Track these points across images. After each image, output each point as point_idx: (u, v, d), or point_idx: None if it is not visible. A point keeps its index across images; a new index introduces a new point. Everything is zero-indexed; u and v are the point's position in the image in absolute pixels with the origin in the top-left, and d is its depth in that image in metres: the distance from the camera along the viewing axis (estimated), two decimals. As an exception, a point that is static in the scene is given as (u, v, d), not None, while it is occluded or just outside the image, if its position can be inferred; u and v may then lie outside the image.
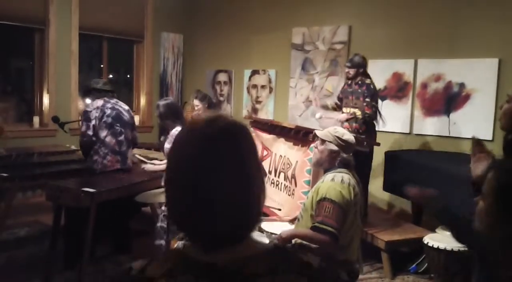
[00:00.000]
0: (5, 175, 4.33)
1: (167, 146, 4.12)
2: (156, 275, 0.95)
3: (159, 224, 4.10)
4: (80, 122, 4.51)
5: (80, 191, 3.66)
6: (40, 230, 5.09)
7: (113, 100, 4.53)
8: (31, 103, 6.54)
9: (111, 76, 7.68)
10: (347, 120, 4.96)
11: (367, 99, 4.83)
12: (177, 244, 3.50)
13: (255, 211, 1.00)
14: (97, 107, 4.38)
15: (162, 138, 4.68)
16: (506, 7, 4.91)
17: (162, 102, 4.33)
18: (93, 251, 4.11)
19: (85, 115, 4.39)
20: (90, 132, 4.32)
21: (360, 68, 4.94)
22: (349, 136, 2.92)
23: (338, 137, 2.87)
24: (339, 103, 5.30)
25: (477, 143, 2.42)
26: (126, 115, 4.52)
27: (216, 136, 0.97)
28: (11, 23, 6.02)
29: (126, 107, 4.62)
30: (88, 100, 4.60)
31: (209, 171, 0.94)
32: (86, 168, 4.50)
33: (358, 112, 4.88)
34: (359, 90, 4.91)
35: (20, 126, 6.23)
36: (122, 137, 4.43)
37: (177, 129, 4.10)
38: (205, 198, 0.94)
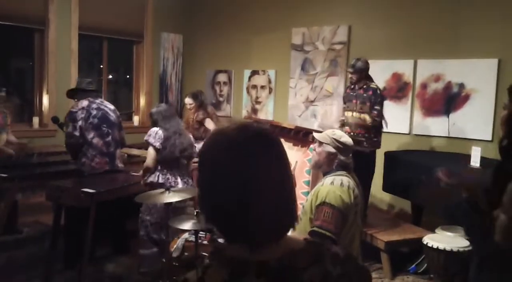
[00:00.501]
0: (5, 175, 4.33)
1: (145, 138, 4.10)
2: None
3: (141, 232, 4.09)
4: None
5: (80, 191, 3.66)
6: (40, 230, 5.08)
7: (98, 100, 4.44)
8: (31, 103, 6.54)
9: (110, 76, 7.68)
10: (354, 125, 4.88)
11: (377, 107, 4.78)
12: (177, 244, 3.51)
13: (294, 209, 1.06)
14: (83, 108, 4.29)
15: None
16: (506, 7, 4.92)
17: (154, 110, 4.32)
18: (92, 252, 4.11)
19: (71, 116, 4.29)
20: (77, 133, 4.24)
21: (363, 73, 4.89)
22: (347, 139, 2.92)
23: (335, 139, 2.87)
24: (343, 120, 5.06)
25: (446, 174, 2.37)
26: (112, 116, 4.44)
27: (257, 142, 1.03)
28: (11, 23, 6.02)
29: (112, 107, 4.54)
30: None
31: (253, 175, 0.99)
32: (76, 170, 4.42)
33: (367, 118, 4.79)
34: (365, 95, 4.84)
35: (20, 126, 6.23)
36: (109, 138, 4.35)
37: (153, 129, 4.11)
38: (252, 201, 0.98)
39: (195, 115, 5.77)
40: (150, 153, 4.06)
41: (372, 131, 4.86)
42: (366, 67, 4.91)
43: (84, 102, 4.33)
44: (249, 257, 0.99)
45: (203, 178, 1.05)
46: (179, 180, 4.10)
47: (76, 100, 4.46)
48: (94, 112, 4.30)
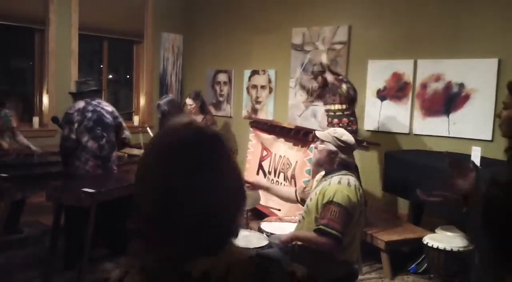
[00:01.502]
0: (5, 175, 4.32)
1: None
2: None
3: None
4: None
5: (80, 191, 3.66)
6: (40, 230, 5.08)
7: (95, 102, 4.35)
8: (31, 103, 6.54)
9: (111, 76, 7.68)
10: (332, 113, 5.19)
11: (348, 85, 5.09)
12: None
13: (233, 221, 0.97)
14: (78, 110, 4.23)
15: None
16: (506, 7, 4.91)
17: (163, 101, 4.28)
18: (91, 252, 4.10)
19: (67, 118, 4.23)
20: (73, 136, 4.17)
21: (323, 73, 5.33)
22: (348, 138, 2.92)
23: (336, 138, 2.87)
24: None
25: (454, 163, 2.34)
26: (108, 118, 4.34)
27: (192, 143, 0.96)
28: (11, 23, 6.03)
29: (110, 108, 4.44)
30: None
31: (182, 179, 0.93)
32: (67, 173, 4.34)
33: (344, 87, 5.05)
34: (334, 87, 5.18)
35: (20, 126, 6.23)
36: (103, 141, 4.27)
37: None
38: (176, 208, 0.92)
39: (204, 120, 5.84)
40: None
41: (350, 119, 5.12)
42: (325, 81, 5.32)
43: (81, 104, 4.27)
44: (173, 269, 0.92)
45: (136, 176, 1.00)
46: None
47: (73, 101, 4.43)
48: (89, 115, 4.22)
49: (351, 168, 2.90)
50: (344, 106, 5.06)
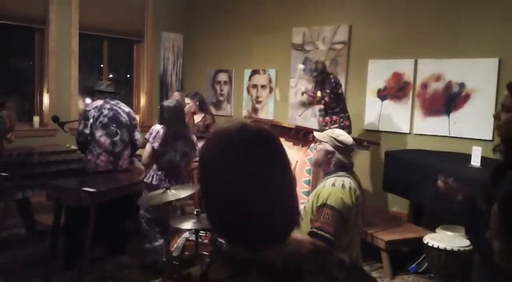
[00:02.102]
0: (5, 174, 4.32)
1: (146, 136, 4.15)
2: (220, 278, 0.98)
3: (141, 228, 4.11)
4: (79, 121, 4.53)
5: (80, 190, 3.66)
6: (40, 230, 5.08)
7: (114, 101, 4.51)
8: (31, 103, 6.54)
9: (111, 75, 7.68)
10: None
11: (326, 89, 5.37)
12: (177, 244, 3.51)
13: (296, 211, 1.06)
14: (96, 107, 4.39)
15: None
16: (506, 7, 4.91)
17: (165, 104, 4.28)
18: (91, 251, 4.10)
19: (85, 115, 4.41)
20: (87, 131, 4.33)
21: (323, 73, 5.45)
22: (346, 138, 2.90)
23: (333, 138, 2.87)
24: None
25: (445, 186, 2.37)
26: (124, 117, 4.49)
27: (256, 143, 1.02)
28: (11, 22, 6.03)
29: (127, 109, 4.60)
30: (88, 100, 4.61)
31: (253, 176, 0.99)
32: (82, 167, 4.53)
33: (319, 94, 5.41)
34: (313, 90, 5.57)
35: (20, 126, 6.22)
36: (117, 138, 4.41)
37: (155, 126, 4.15)
38: (252, 202, 0.98)
39: (203, 119, 5.86)
40: (147, 150, 4.13)
41: (340, 115, 5.42)
42: (325, 67, 5.53)
43: (99, 102, 4.44)
44: (252, 257, 0.98)
45: (203, 177, 1.05)
46: (173, 183, 4.05)
47: (89, 99, 4.57)
48: (105, 111, 4.39)
49: (348, 168, 2.89)
50: (323, 106, 5.44)
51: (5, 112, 5.06)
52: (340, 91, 5.48)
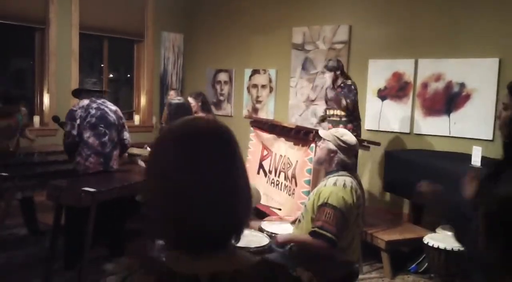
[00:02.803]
0: (5, 174, 4.32)
1: None
2: None
3: None
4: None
5: (80, 190, 3.65)
6: (40, 230, 5.08)
7: (100, 100, 4.37)
8: (31, 103, 6.54)
9: (111, 75, 7.68)
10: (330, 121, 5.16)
11: (350, 96, 4.99)
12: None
13: (243, 216, 0.97)
14: (82, 107, 4.25)
15: None
16: (506, 7, 4.91)
17: (174, 101, 4.28)
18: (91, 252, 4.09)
19: (70, 115, 4.25)
20: (75, 132, 4.19)
21: (337, 71, 5.07)
22: (349, 138, 2.91)
23: (337, 137, 2.87)
24: (324, 114, 5.42)
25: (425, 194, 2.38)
26: (112, 116, 4.35)
27: (210, 133, 0.96)
28: (11, 22, 6.03)
29: (114, 107, 4.45)
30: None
31: (196, 170, 0.92)
32: (71, 169, 4.37)
33: (343, 101, 4.96)
34: (342, 92, 5.03)
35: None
36: (105, 139, 4.27)
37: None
38: (193, 201, 0.91)
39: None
40: None
41: (354, 124, 5.07)
42: (339, 66, 5.10)
43: (85, 102, 4.30)
44: (185, 270, 0.90)
45: (147, 172, 0.98)
46: None
47: (79, 99, 4.46)
48: (93, 111, 4.25)
49: (350, 168, 2.89)
50: (345, 113, 5.05)
51: (23, 109, 5.10)
52: (357, 98, 5.18)
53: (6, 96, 5.06)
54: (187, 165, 0.92)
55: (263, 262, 0.96)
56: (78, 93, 4.52)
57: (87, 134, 4.21)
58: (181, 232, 0.92)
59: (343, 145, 2.86)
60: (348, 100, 4.96)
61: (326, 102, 5.34)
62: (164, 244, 0.95)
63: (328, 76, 5.13)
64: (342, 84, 5.07)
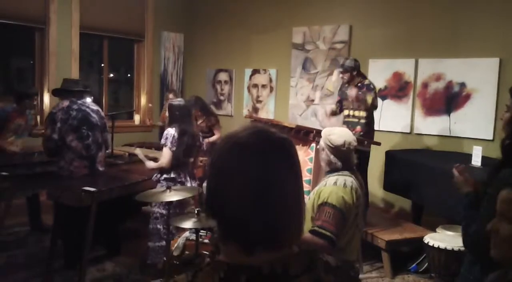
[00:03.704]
0: (5, 174, 4.31)
1: (162, 142, 4.09)
2: None
3: (151, 226, 4.09)
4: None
5: (80, 190, 3.65)
6: (44, 228, 5.08)
7: (80, 101, 4.21)
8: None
9: (111, 75, 7.68)
10: (348, 124, 4.99)
11: (373, 97, 4.87)
12: (178, 243, 3.51)
13: (301, 219, 1.04)
14: (62, 109, 4.11)
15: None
16: (507, 7, 4.90)
17: (175, 103, 4.28)
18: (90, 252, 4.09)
19: (50, 117, 4.11)
20: (56, 136, 4.04)
21: (354, 71, 4.93)
22: (336, 138, 2.85)
23: (326, 136, 2.87)
24: (335, 108, 5.29)
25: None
26: (94, 117, 4.22)
27: (271, 149, 1.01)
28: (11, 22, 6.02)
29: (95, 107, 4.32)
30: (88, 99, 4.52)
31: (266, 182, 0.98)
32: (52, 172, 4.27)
33: (369, 99, 4.83)
34: (360, 92, 4.91)
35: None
36: (89, 141, 4.15)
37: (169, 130, 4.07)
38: (259, 209, 0.97)
39: (205, 120, 5.87)
40: (166, 155, 4.02)
41: (366, 128, 4.96)
42: (355, 66, 4.95)
43: (65, 103, 4.15)
44: (242, 261, 0.97)
45: (213, 179, 1.03)
46: (188, 177, 4.15)
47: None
48: (73, 113, 4.10)
49: (341, 169, 2.87)
50: (366, 113, 4.96)
51: (33, 111, 5.12)
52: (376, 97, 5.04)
53: (20, 95, 5.07)
54: (257, 175, 0.98)
55: (302, 251, 1.04)
56: (59, 94, 4.36)
57: (69, 137, 4.07)
58: (245, 235, 0.98)
59: (330, 144, 2.85)
60: (373, 97, 4.86)
61: (341, 101, 5.19)
62: (219, 239, 1.02)
63: (346, 76, 4.97)
64: (359, 84, 4.95)
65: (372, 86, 4.93)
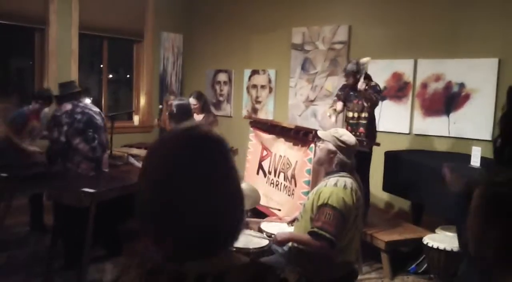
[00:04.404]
0: (5, 175, 4.32)
1: None
2: None
3: None
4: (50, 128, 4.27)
5: (80, 191, 3.66)
6: (46, 228, 5.09)
7: (82, 104, 4.30)
8: (31, 103, 6.52)
9: (111, 76, 7.67)
10: (350, 124, 5.01)
11: (378, 96, 4.88)
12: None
13: (236, 224, 0.99)
14: (66, 112, 4.17)
15: None
16: (506, 7, 4.91)
17: (175, 102, 4.29)
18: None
19: (55, 121, 4.17)
20: (63, 139, 4.11)
21: (357, 75, 4.87)
22: (348, 138, 2.90)
23: (336, 137, 2.87)
24: (336, 98, 5.27)
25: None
26: (98, 119, 4.30)
27: (198, 145, 0.98)
28: (11, 22, 6.02)
29: (97, 109, 4.40)
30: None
31: (188, 179, 0.94)
32: (54, 173, 4.31)
33: (373, 97, 4.81)
34: (367, 87, 4.84)
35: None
36: (95, 143, 4.22)
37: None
38: (180, 207, 0.93)
39: (204, 117, 5.86)
40: None
41: (369, 128, 4.96)
42: (358, 69, 4.88)
43: (68, 106, 4.21)
44: (183, 267, 0.93)
45: (144, 173, 1.01)
46: None
47: (58, 104, 4.36)
48: (78, 116, 4.17)
49: (350, 169, 2.89)
50: (369, 114, 4.96)
51: (46, 110, 5.14)
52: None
53: (40, 97, 5.12)
54: (183, 171, 0.94)
55: (251, 263, 1.00)
56: (62, 99, 4.36)
57: (76, 140, 4.13)
58: (175, 236, 0.94)
59: (342, 145, 2.86)
60: (378, 96, 4.87)
61: (345, 103, 5.14)
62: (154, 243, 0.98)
63: (350, 80, 4.93)
64: (366, 86, 4.87)
65: (378, 88, 4.94)
